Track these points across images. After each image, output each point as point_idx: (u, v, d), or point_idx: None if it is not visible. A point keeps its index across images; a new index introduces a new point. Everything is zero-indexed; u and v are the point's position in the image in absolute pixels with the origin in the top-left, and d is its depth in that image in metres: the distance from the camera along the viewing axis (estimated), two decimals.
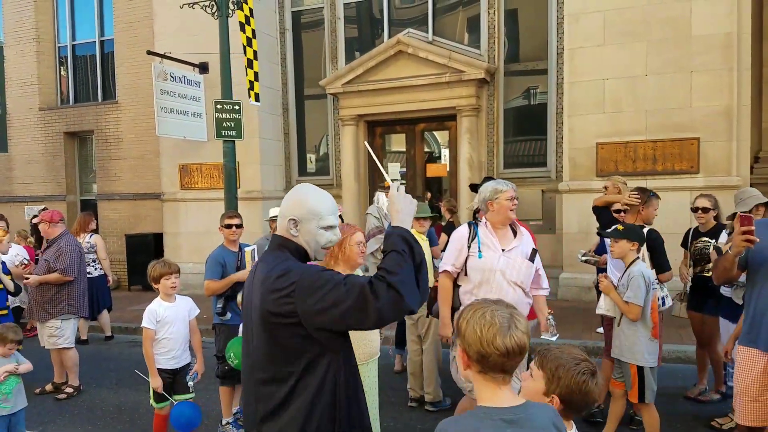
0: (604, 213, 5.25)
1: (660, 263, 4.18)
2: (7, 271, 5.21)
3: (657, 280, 4.12)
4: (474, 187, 6.78)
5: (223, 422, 4.48)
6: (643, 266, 3.78)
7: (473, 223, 3.70)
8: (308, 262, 2.05)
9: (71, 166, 12.26)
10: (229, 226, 4.63)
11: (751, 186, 6.03)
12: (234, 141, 7.54)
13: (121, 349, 7.09)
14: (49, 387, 5.57)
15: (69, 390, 5.47)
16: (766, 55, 8.29)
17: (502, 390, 1.54)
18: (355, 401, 1.97)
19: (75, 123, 11.89)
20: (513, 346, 1.49)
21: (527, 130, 9.30)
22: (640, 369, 3.61)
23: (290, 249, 2.00)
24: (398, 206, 2.02)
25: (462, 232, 3.69)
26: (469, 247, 3.60)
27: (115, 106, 11.43)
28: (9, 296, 5.12)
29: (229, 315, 4.39)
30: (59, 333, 5.36)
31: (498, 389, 1.54)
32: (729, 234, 4.37)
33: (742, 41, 7.18)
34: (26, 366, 3.95)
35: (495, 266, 3.52)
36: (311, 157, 10.82)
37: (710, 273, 4.55)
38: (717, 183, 7.00)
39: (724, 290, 4.31)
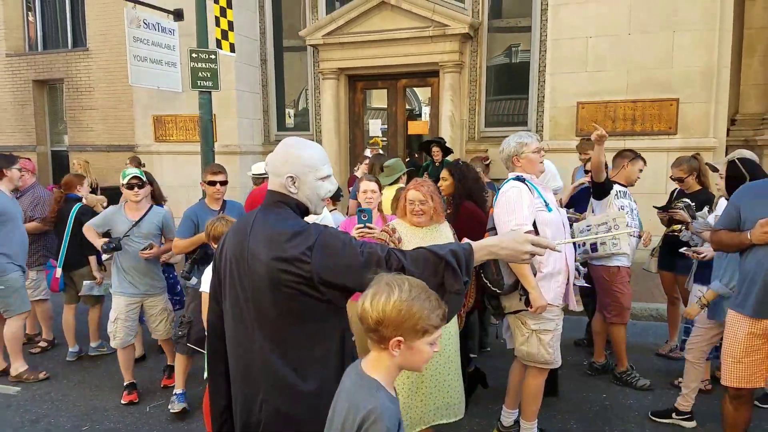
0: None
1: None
2: None
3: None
4: (424, 146, 6.57)
5: (176, 392, 4.17)
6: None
7: (522, 178, 3.31)
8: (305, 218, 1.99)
9: (41, 115, 11.89)
10: (212, 183, 4.19)
11: (726, 149, 6.06)
12: (210, 92, 7.32)
13: None
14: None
15: (43, 344, 5.42)
16: (747, 16, 8.26)
17: None
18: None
19: (44, 71, 11.45)
20: None
21: (509, 89, 9.22)
22: None
23: (290, 205, 1.93)
24: (504, 241, 1.95)
25: (521, 188, 3.24)
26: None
27: (86, 54, 11.01)
28: None
29: (194, 280, 3.97)
30: (35, 285, 5.26)
31: None
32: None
33: (725, 1, 7.14)
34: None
35: (562, 218, 3.35)
36: (290, 111, 10.61)
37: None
38: (694, 144, 7.05)
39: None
